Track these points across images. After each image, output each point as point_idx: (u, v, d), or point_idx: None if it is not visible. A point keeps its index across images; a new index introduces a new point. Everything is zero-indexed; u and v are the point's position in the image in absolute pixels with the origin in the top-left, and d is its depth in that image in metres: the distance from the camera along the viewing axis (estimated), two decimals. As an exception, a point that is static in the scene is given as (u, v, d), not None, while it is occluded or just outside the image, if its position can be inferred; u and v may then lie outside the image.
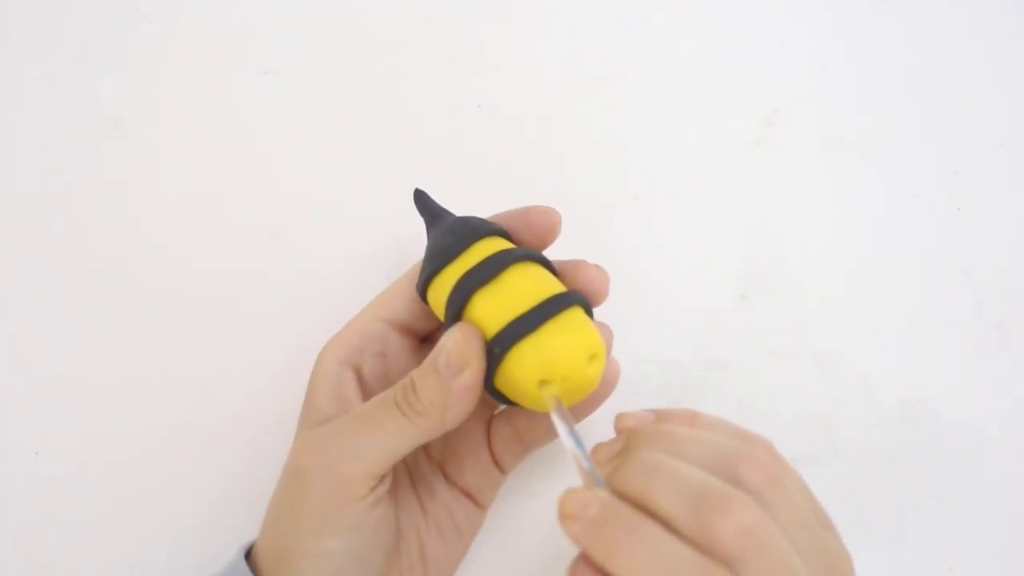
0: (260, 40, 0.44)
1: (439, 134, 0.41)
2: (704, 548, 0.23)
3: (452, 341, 0.27)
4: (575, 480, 0.36)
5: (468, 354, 0.27)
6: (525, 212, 0.31)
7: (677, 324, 0.38)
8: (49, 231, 0.41)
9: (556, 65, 0.43)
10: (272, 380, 0.35)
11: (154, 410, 0.38)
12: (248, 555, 0.30)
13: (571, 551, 0.35)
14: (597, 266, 0.30)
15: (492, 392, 0.29)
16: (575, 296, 0.28)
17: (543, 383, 0.27)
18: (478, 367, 0.27)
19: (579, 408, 0.31)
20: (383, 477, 0.29)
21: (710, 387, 0.37)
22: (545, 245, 0.31)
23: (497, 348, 0.27)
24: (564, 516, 0.25)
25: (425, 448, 0.34)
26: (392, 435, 0.28)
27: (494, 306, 0.28)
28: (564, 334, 0.27)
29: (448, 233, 0.31)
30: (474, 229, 0.30)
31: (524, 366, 0.27)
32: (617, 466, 0.26)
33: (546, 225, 0.31)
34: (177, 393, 0.38)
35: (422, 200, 0.34)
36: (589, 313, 0.29)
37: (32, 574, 0.36)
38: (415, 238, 0.34)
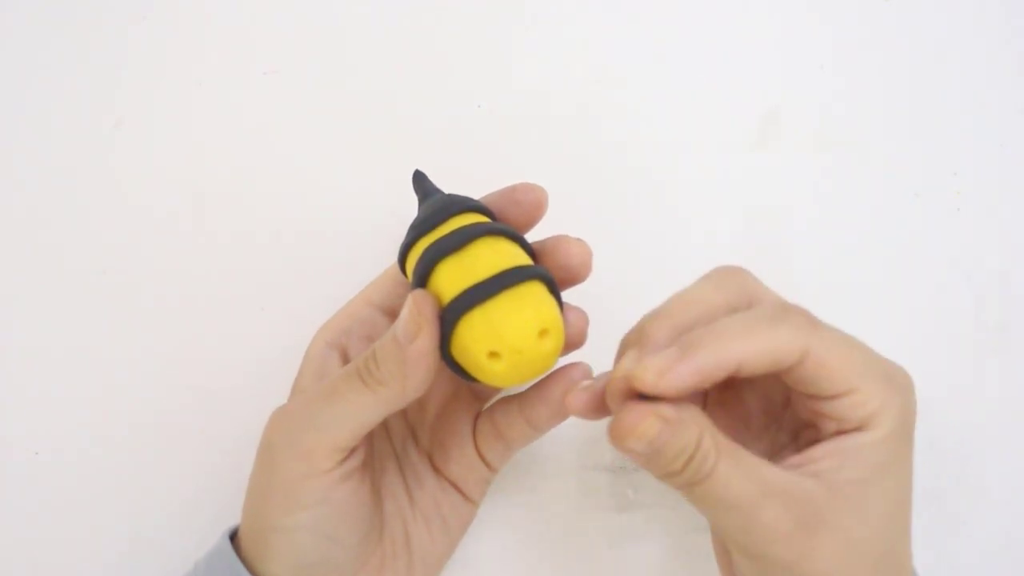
0: (260, 40, 0.44)
1: (439, 134, 0.41)
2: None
3: (406, 308, 0.27)
4: (574, 476, 0.36)
5: (421, 320, 0.27)
6: (511, 190, 0.31)
7: (677, 324, 0.38)
8: (49, 231, 0.41)
9: (556, 65, 0.43)
10: (274, 378, 0.35)
11: (155, 409, 0.38)
12: (234, 536, 0.31)
13: (571, 551, 0.35)
14: (579, 240, 0.30)
15: (450, 363, 0.28)
16: (535, 270, 0.28)
17: (492, 355, 0.27)
18: (430, 333, 0.27)
19: (559, 406, 0.31)
20: (352, 451, 0.29)
21: (710, 387, 0.37)
22: (533, 222, 0.31)
23: (450, 315, 0.27)
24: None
25: (414, 437, 0.34)
26: (355, 406, 0.28)
27: (455, 275, 0.28)
28: (517, 306, 0.27)
29: (430, 207, 0.31)
30: (454, 203, 0.30)
31: (474, 336, 0.27)
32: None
33: (532, 201, 0.31)
34: (179, 392, 0.38)
35: (420, 181, 0.34)
36: (553, 289, 0.29)
37: (30, 568, 0.36)
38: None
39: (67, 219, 0.41)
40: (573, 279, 0.30)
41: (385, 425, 0.33)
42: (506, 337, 0.26)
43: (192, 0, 0.44)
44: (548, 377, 0.31)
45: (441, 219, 0.30)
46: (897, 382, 0.27)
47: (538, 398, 0.31)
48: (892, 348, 0.38)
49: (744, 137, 0.41)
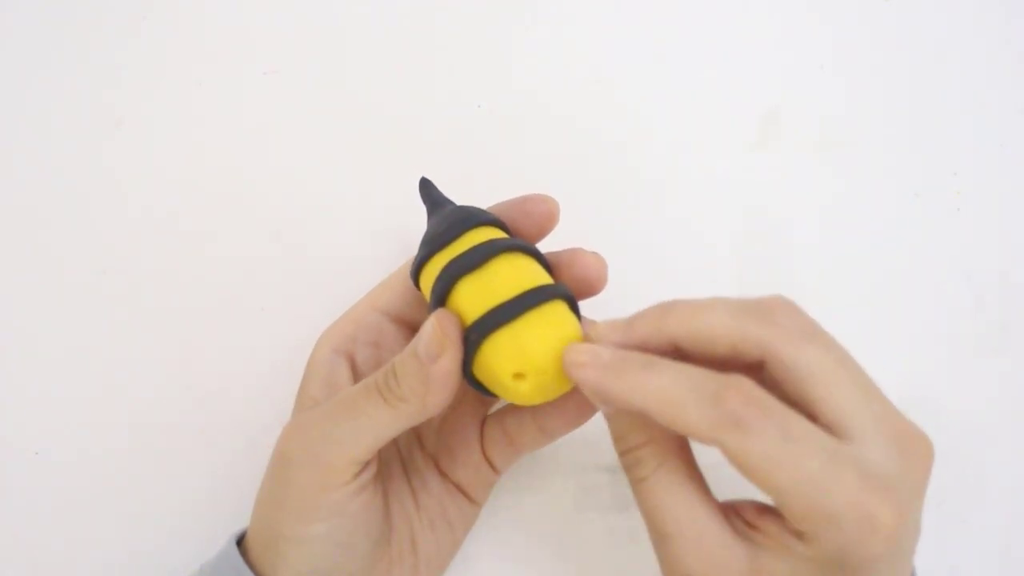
0: (260, 40, 0.44)
1: (439, 134, 0.41)
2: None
3: (429, 327, 0.27)
4: (574, 476, 0.36)
5: (445, 340, 0.27)
6: (522, 200, 0.31)
7: (677, 324, 0.38)
8: (49, 231, 0.41)
9: (556, 65, 0.43)
10: (274, 378, 0.35)
11: (155, 409, 0.38)
12: (241, 542, 0.31)
13: (571, 550, 0.35)
14: (594, 253, 0.30)
15: (472, 381, 0.29)
16: (557, 289, 0.28)
17: (517, 376, 0.27)
18: (454, 353, 0.27)
19: (573, 416, 0.31)
20: (367, 463, 0.29)
21: (710, 387, 0.37)
22: (544, 233, 0.31)
23: (474, 336, 0.27)
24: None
25: (419, 441, 0.34)
26: (374, 421, 0.28)
27: (476, 294, 0.28)
28: (541, 327, 0.27)
29: (444, 220, 0.31)
30: (469, 217, 0.30)
31: (499, 356, 0.27)
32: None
33: (544, 213, 0.31)
34: (178, 392, 0.38)
35: (427, 189, 0.34)
36: (574, 307, 0.29)
37: (30, 569, 0.36)
38: (416, 236, 0.34)
39: (67, 219, 0.41)
40: (589, 292, 0.30)
41: None
42: (532, 359, 0.27)
43: (192, 0, 0.44)
44: None
45: (456, 234, 0.30)
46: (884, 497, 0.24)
47: (553, 407, 0.31)
48: (892, 348, 0.38)
49: (744, 137, 0.41)
